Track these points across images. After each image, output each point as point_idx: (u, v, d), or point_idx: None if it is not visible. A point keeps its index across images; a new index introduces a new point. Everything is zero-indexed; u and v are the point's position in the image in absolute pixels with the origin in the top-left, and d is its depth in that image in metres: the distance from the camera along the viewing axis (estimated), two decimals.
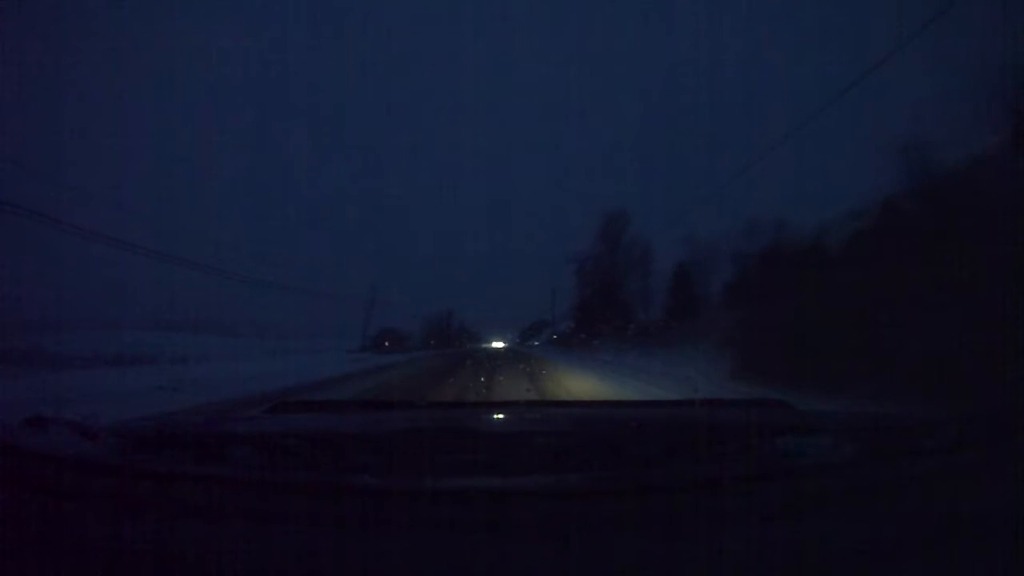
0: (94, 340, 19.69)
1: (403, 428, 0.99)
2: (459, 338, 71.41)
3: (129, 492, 0.74)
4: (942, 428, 0.97)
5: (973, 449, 0.84)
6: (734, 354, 9.92)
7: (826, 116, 10.62)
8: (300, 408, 1.61)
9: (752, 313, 10.46)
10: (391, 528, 0.62)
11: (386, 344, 46.66)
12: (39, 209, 11.91)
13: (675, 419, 1.41)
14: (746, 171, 14.48)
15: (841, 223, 10.50)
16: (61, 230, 12.78)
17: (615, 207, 35.92)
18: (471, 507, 0.65)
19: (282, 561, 0.58)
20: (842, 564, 0.57)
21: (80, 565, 0.60)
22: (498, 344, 69.83)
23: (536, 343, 66.90)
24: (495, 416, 1.54)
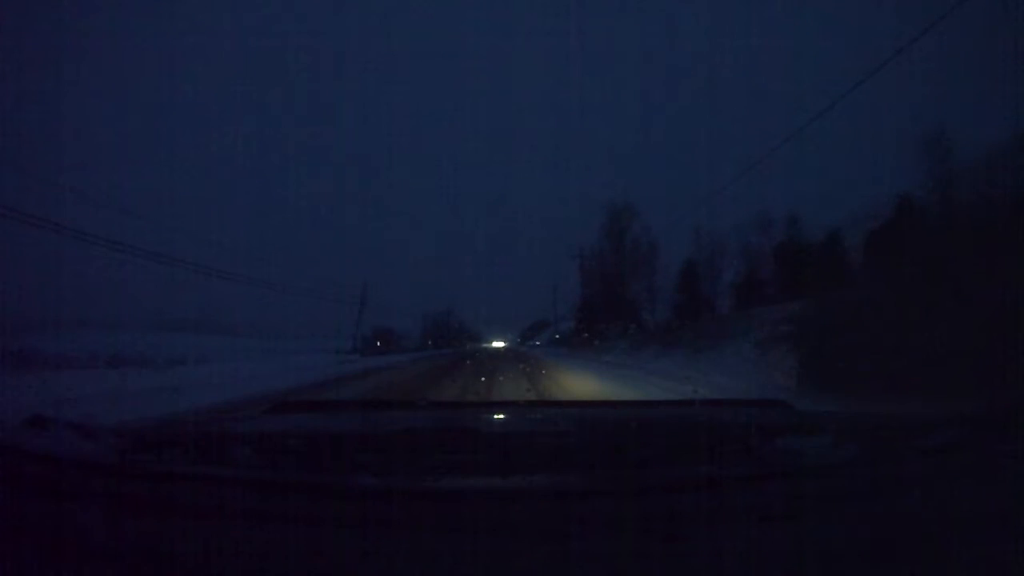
0: (87, 340, 19.63)
1: (403, 428, 0.99)
2: (459, 338, 70.83)
3: (129, 492, 0.74)
4: (942, 428, 0.97)
5: (973, 449, 0.84)
6: (796, 359, 7.74)
7: (840, 110, 9.95)
8: (300, 408, 1.61)
9: (830, 307, 7.77)
10: (391, 528, 0.62)
11: (378, 344, 45.22)
12: (37, 209, 11.97)
13: (675, 419, 1.42)
14: (759, 164, 13.63)
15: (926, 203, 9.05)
16: (60, 234, 12.82)
17: (620, 201, 33.76)
18: (471, 507, 0.65)
19: (282, 561, 0.58)
20: (842, 564, 0.57)
21: (80, 565, 0.60)
22: (498, 344, 69.98)
23: (537, 343, 66.78)
24: (495, 416, 1.54)
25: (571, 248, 36.20)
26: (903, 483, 0.74)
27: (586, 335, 34.00)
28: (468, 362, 19.18)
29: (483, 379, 10.96)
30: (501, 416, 1.53)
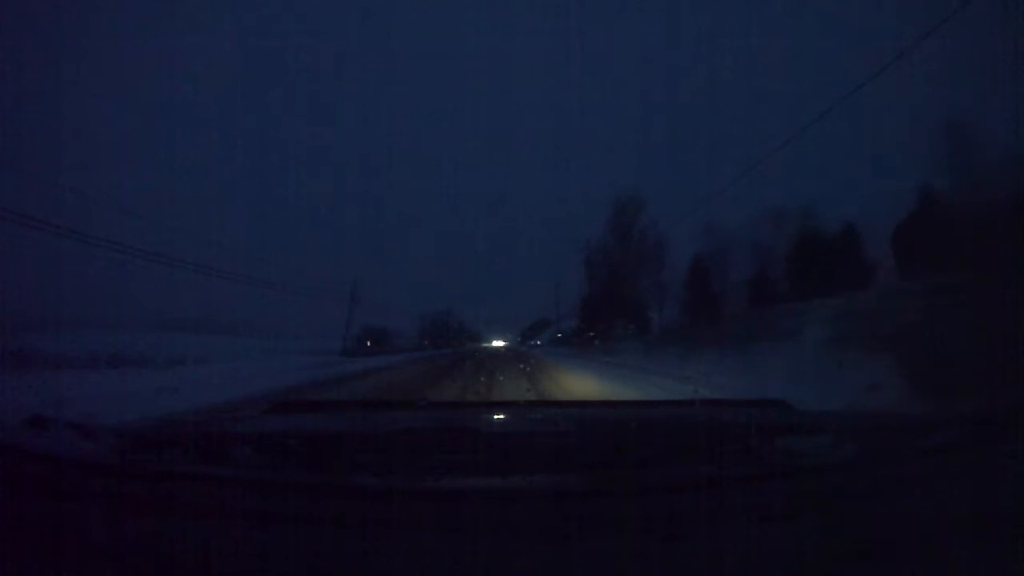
0: (86, 340, 19.50)
1: (403, 428, 0.99)
2: (458, 337, 70.10)
3: (129, 492, 0.74)
4: (942, 428, 0.97)
5: (973, 449, 0.84)
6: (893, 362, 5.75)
7: (844, 105, 9.59)
8: (300, 408, 1.61)
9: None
10: (391, 528, 0.62)
11: (368, 345, 41.83)
12: (33, 207, 11.98)
13: (675, 419, 1.42)
14: (770, 157, 13.08)
15: None
16: (60, 235, 12.84)
17: (626, 192, 31.17)
18: (471, 507, 0.65)
19: (282, 561, 0.58)
20: (842, 564, 0.57)
21: (80, 565, 0.60)
22: (498, 343, 70.01)
23: (538, 342, 66.47)
24: (495, 416, 1.54)
25: (573, 246, 33.53)
26: (903, 483, 0.74)
27: (591, 334, 32.22)
28: (466, 364, 18.31)
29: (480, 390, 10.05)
30: (501, 416, 1.53)
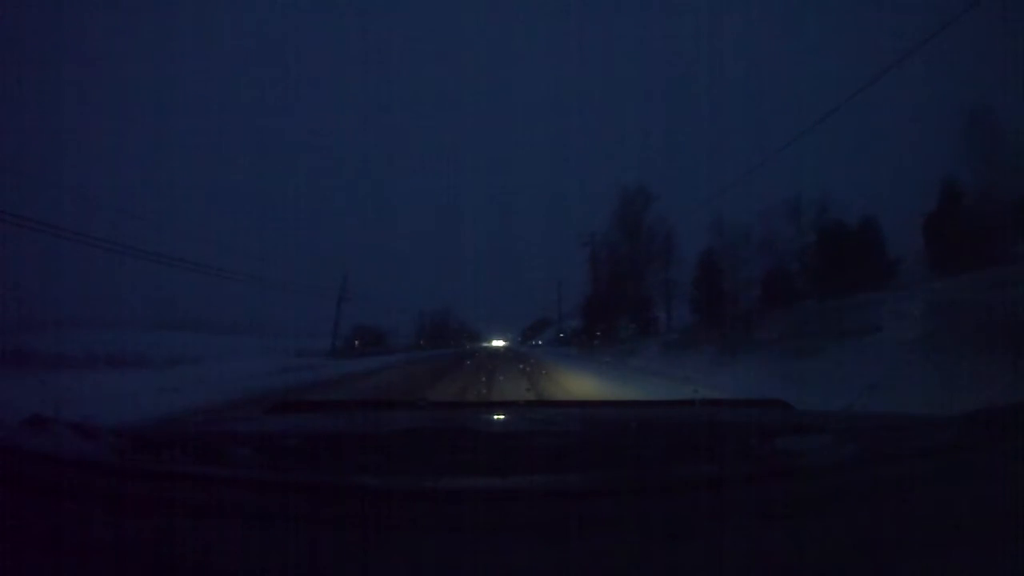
0: (84, 339, 19.33)
1: (403, 428, 0.99)
2: (457, 337, 69.73)
3: (129, 492, 0.74)
4: (942, 428, 0.97)
5: (973, 449, 0.85)
6: None
7: (868, 95, 9.28)
8: (300, 408, 1.62)
9: None
10: (391, 528, 0.62)
11: (356, 344, 39.73)
12: (26, 205, 11.96)
13: (675, 419, 1.42)
14: (782, 151, 12.49)
15: None
16: (57, 236, 12.84)
17: (633, 184, 29.79)
18: (471, 507, 0.65)
19: (282, 561, 0.58)
20: (842, 564, 0.57)
21: (80, 565, 0.60)
22: (498, 343, 70.06)
23: (539, 342, 66.11)
24: (495, 416, 1.54)
25: (576, 243, 32.07)
26: (903, 483, 0.74)
27: (597, 333, 30.27)
28: (464, 365, 17.32)
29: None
30: (501, 416, 1.53)
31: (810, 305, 13.69)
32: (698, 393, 2.11)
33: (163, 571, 0.59)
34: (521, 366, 15.46)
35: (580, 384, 10.41)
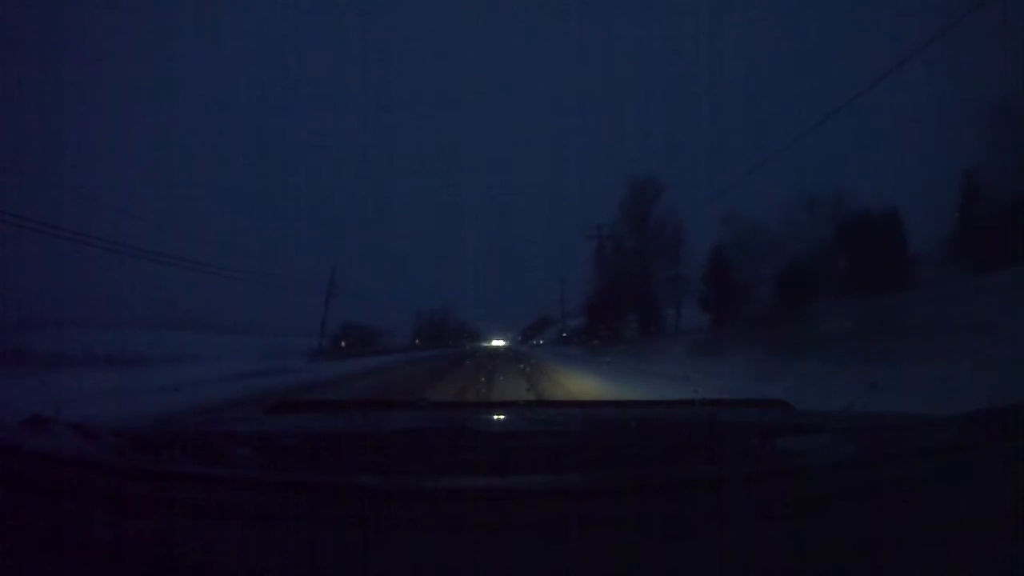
0: (83, 339, 19.26)
1: (403, 428, 0.99)
2: (456, 337, 68.76)
3: (129, 492, 0.74)
4: (942, 428, 0.97)
5: (973, 449, 0.85)
6: None
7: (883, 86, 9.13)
8: (300, 408, 1.62)
9: None
10: (391, 528, 0.62)
11: (343, 344, 36.42)
12: (24, 204, 11.97)
13: (675, 419, 1.42)
14: (792, 144, 12.41)
15: None
16: (56, 236, 12.87)
17: (642, 176, 27.93)
18: (471, 507, 0.65)
19: (282, 561, 0.58)
20: (842, 564, 0.57)
21: (80, 565, 0.60)
22: (498, 343, 69.96)
23: (540, 342, 65.51)
24: (495, 416, 1.54)
25: (579, 239, 30.87)
26: (903, 483, 0.74)
27: (608, 332, 28.09)
28: (464, 365, 16.37)
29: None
30: (501, 416, 1.53)
31: (856, 301, 11.69)
32: (698, 393, 2.11)
33: (163, 571, 0.59)
34: (521, 366, 15.32)
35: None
